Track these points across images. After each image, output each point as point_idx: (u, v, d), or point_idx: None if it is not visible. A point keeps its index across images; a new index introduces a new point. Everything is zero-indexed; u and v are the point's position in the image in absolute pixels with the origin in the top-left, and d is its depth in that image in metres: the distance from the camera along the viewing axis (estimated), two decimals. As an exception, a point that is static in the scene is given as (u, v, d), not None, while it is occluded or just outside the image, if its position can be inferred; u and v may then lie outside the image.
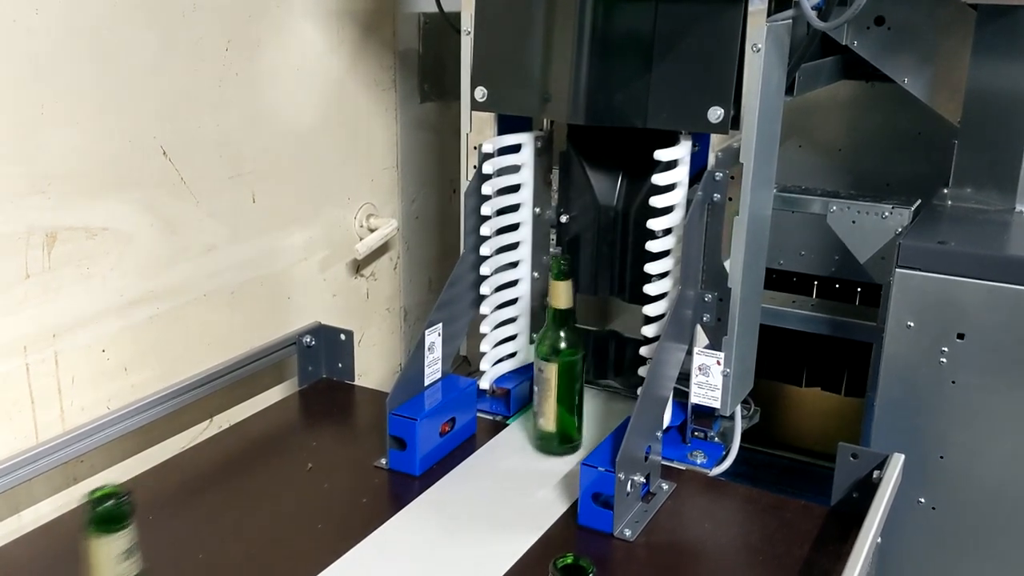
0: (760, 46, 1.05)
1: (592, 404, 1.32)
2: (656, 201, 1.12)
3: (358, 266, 1.58)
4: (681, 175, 1.13)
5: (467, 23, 1.21)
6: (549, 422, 1.18)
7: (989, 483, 1.21)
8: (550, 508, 1.08)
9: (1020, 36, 1.33)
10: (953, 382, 1.20)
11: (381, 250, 1.62)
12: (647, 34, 1.09)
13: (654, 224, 1.13)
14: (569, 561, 0.55)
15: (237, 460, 1.18)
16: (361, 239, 1.55)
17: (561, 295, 1.15)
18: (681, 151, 1.12)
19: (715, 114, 1.06)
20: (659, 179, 1.12)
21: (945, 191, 1.41)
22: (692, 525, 1.06)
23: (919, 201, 1.41)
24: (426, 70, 1.65)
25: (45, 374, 1.09)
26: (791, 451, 1.81)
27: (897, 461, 1.05)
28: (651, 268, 1.14)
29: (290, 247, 1.43)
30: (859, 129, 1.71)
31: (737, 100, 1.07)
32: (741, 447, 1.22)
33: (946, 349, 1.20)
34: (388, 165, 1.62)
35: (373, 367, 1.63)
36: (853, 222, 1.42)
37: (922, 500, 1.25)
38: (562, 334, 1.16)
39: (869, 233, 1.41)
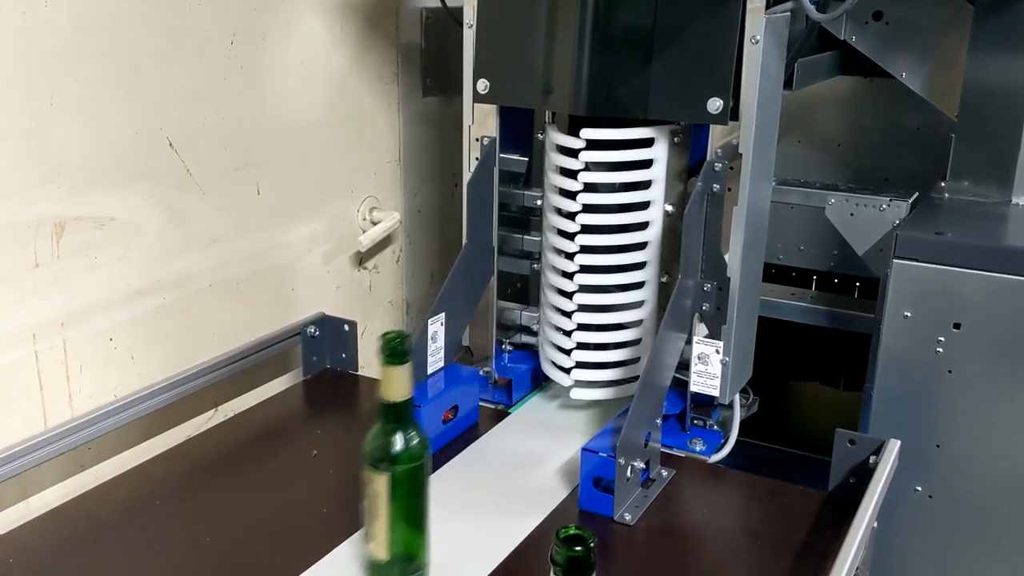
0: (759, 38, 1.07)
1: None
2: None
3: (361, 259, 1.60)
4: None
5: (469, 16, 1.23)
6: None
7: (985, 472, 1.22)
8: (552, 493, 1.09)
9: (1017, 31, 1.34)
10: (950, 371, 1.22)
11: (384, 243, 1.64)
12: (648, 26, 1.10)
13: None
14: (571, 532, 0.57)
15: (244, 447, 1.20)
16: (364, 232, 1.57)
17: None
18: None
19: (714, 105, 1.08)
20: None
21: (942, 184, 1.42)
22: (692, 510, 1.08)
23: (916, 194, 1.43)
24: (428, 65, 1.66)
25: (54, 362, 1.11)
26: (790, 445, 1.82)
27: (893, 447, 1.06)
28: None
29: (294, 239, 1.45)
30: (858, 124, 1.73)
31: (736, 91, 1.09)
32: (740, 441, 1.23)
33: (943, 339, 1.21)
34: (391, 159, 1.63)
35: (375, 359, 1.64)
36: (851, 215, 1.44)
37: (919, 488, 1.26)
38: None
39: (867, 225, 1.43)
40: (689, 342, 1.19)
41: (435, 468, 1.13)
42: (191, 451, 1.19)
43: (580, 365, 1.25)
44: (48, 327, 1.09)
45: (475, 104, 1.25)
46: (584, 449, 1.04)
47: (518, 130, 1.31)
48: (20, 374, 1.07)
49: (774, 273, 1.57)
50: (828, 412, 1.85)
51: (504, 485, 1.12)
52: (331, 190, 1.51)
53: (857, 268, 1.48)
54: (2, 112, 1.01)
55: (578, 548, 0.56)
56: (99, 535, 1.02)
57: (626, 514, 1.04)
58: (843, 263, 1.51)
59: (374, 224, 1.59)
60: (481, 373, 1.31)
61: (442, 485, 1.11)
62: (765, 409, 1.36)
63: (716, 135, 1.15)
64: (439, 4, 1.47)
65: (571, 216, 1.20)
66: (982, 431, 1.22)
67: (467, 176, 1.28)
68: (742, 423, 1.24)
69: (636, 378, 1.25)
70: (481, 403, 1.29)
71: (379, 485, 0.88)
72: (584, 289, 1.21)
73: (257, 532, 1.02)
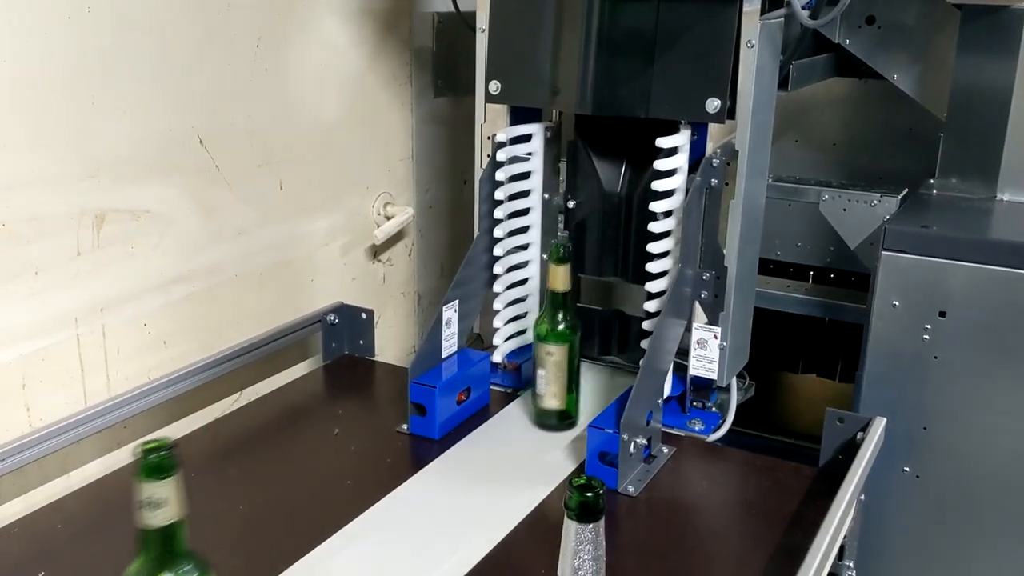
0: (754, 42, 1.14)
1: (596, 379, 1.41)
2: (657, 185, 1.21)
3: (376, 252, 1.67)
4: (681, 161, 1.22)
5: (482, 21, 1.30)
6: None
7: (969, 452, 1.28)
8: (560, 467, 1.17)
9: (1001, 35, 1.40)
10: (935, 357, 1.28)
11: (397, 237, 1.71)
12: (649, 31, 1.18)
13: (656, 207, 1.22)
14: (583, 481, 0.64)
15: (270, 425, 1.27)
16: (379, 226, 1.64)
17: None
18: (681, 139, 1.21)
19: (712, 105, 1.15)
20: (660, 165, 1.21)
21: (931, 181, 1.48)
22: (690, 483, 1.15)
23: (906, 190, 1.50)
24: (439, 66, 1.73)
25: (93, 345, 1.18)
26: (787, 435, 1.88)
27: (879, 424, 1.13)
28: (653, 248, 1.23)
29: (314, 232, 1.52)
30: (853, 125, 1.78)
31: (733, 92, 1.16)
32: (739, 431, 1.30)
33: (929, 327, 1.27)
34: (404, 156, 1.71)
35: (389, 347, 1.72)
36: (844, 210, 1.50)
37: (907, 469, 1.32)
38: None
39: (859, 220, 1.49)
40: (688, 328, 1.26)
41: (451, 444, 1.21)
42: (221, 430, 1.27)
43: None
44: (89, 312, 1.17)
45: (487, 104, 1.33)
46: (590, 426, 1.12)
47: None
48: (64, 356, 1.15)
49: (772, 268, 1.63)
50: (824, 403, 1.91)
51: (515, 460, 1.19)
52: (348, 186, 1.58)
53: (852, 263, 1.54)
54: (49, 111, 1.09)
55: (589, 494, 0.63)
56: (139, 504, 1.09)
57: (629, 486, 1.11)
58: (838, 259, 1.58)
59: (388, 219, 1.66)
60: (491, 359, 1.38)
61: (459, 460, 1.19)
62: (764, 401, 1.42)
63: (715, 135, 1.22)
64: (451, 9, 1.54)
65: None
66: (966, 414, 1.28)
67: (479, 172, 1.36)
68: (741, 413, 1.31)
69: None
70: (492, 386, 1.36)
71: (559, 354, 1.21)
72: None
73: (287, 502, 1.10)
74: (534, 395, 1.26)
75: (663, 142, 1.20)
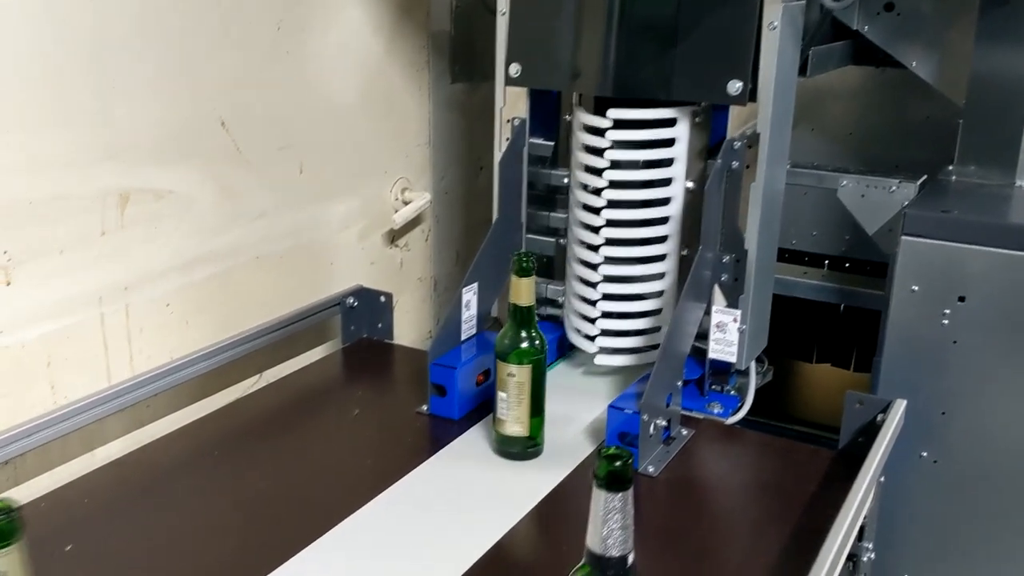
0: (776, 24, 1.14)
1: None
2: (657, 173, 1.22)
3: (393, 236, 1.68)
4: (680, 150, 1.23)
5: (503, 5, 1.31)
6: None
7: (987, 438, 1.28)
8: (580, 447, 1.17)
9: (1021, 22, 1.40)
10: (954, 342, 1.28)
11: (414, 222, 1.71)
12: (671, 12, 1.18)
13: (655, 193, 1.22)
14: (612, 451, 0.65)
15: (290, 406, 1.28)
16: (396, 211, 1.65)
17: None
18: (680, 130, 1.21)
19: (734, 87, 1.15)
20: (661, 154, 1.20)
21: (950, 168, 1.48)
22: (709, 464, 1.16)
23: (925, 176, 1.50)
24: (456, 52, 1.74)
25: (117, 324, 1.19)
26: (802, 425, 1.89)
27: (899, 406, 1.13)
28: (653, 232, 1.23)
29: (333, 216, 1.53)
30: (869, 114, 1.78)
31: (755, 74, 1.16)
32: (754, 420, 1.30)
33: (948, 311, 1.27)
34: (421, 142, 1.71)
35: (405, 332, 1.72)
36: (862, 196, 1.50)
37: (924, 454, 1.33)
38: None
39: (877, 206, 1.49)
40: (708, 312, 1.26)
41: (470, 425, 1.22)
42: (242, 410, 1.28)
43: (604, 333, 1.32)
44: (113, 291, 1.18)
45: (506, 87, 1.33)
46: (611, 406, 1.12)
47: (546, 113, 1.38)
48: (88, 334, 1.15)
49: (787, 257, 1.63)
50: (839, 392, 1.91)
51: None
52: (366, 171, 1.59)
53: (867, 251, 1.54)
54: (73, 93, 1.09)
55: (617, 463, 0.64)
56: (164, 480, 1.10)
57: (649, 467, 1.12)
58: (854, 247, 1.58)
59: (406, 204, 1.66)
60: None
61: (478, 440, 1.19)
62: (779, 390, 1.42)
63: (734, 124, 1.22)
64: (469, -7, 1.55)
65: (597, 192, 1.27)
66: (985, 399, 1.28)
67: (498, 156, 1.36)
68: (756, 401, 1.31)
69: (657, 346, 1.32)
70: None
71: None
72: (609, 261, 1.29)
73: (307, 481, 1.11)
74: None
75: (663, 132, 1.20)
